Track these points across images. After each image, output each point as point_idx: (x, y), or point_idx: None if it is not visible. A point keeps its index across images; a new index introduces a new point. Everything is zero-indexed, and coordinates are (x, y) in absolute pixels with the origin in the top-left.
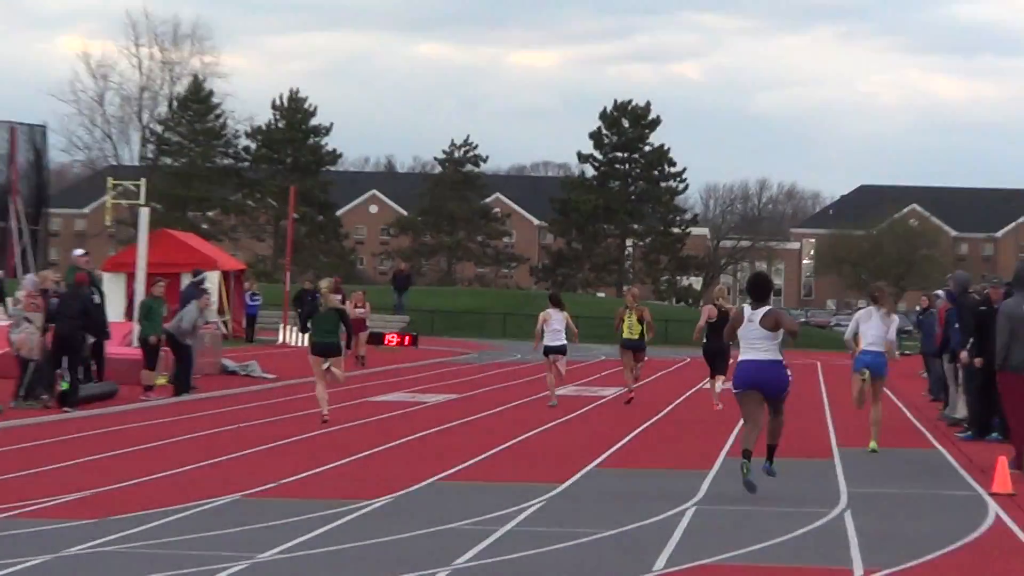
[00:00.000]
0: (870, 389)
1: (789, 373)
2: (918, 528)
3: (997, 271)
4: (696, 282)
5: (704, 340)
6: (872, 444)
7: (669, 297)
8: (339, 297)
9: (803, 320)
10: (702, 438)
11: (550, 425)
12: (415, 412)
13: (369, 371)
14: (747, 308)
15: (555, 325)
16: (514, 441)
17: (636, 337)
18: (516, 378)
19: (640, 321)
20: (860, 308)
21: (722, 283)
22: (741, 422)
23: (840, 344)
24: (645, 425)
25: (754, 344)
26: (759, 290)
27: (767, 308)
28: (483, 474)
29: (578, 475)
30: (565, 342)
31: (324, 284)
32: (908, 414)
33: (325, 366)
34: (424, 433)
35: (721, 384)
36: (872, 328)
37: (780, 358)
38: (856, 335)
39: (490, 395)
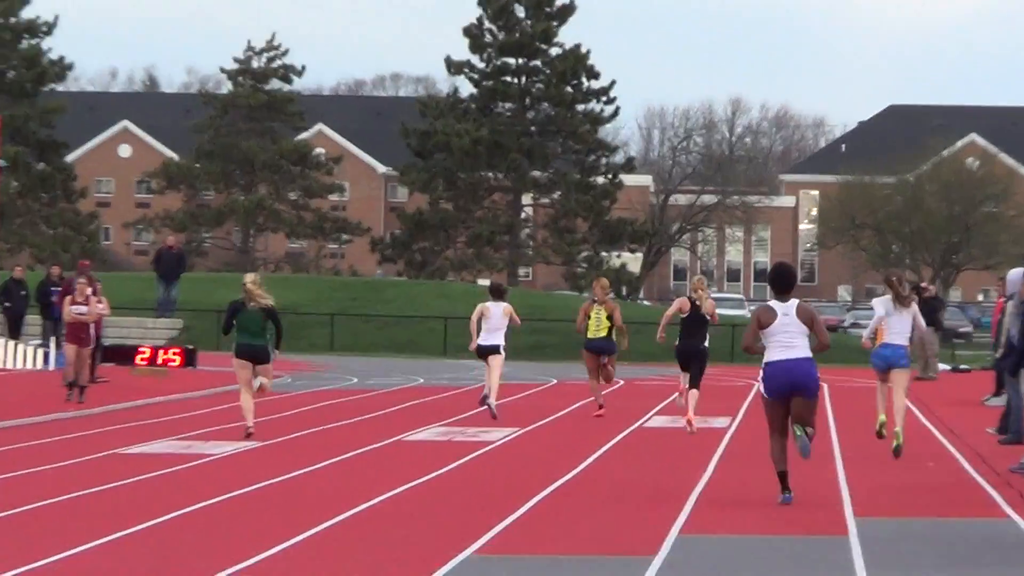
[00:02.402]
0: (891, 388)
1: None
2: None
3: None
4: (632, 260)
5: (677, 339)
6: (896, 439)
7: (588, 284)
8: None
9: None
10: (645, 504)
11: (405, 487)
12: (191, 471)
13: (116, 406)
14: (774, 303)
15: (494, 321)
16: (349, 514)
17: (603, 335)
18: (352, 414)
19: (609, 318)
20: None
21: (699, 276)
22: (768, 438)
23: (862, 356)
24: (556, 485)
25: (790, 341)
26: (782, 281)
27: (796, 301)
28: (306, 568)
29: (449, 566)
30: (502, 342)
31: (248, 278)
32: (965, 464)
33: (258, 384)
34: (204, 504)
35: (695, 401)
36: (897, 319)
37: (812, 356)
38: (877, 330)
39: (310, 441)
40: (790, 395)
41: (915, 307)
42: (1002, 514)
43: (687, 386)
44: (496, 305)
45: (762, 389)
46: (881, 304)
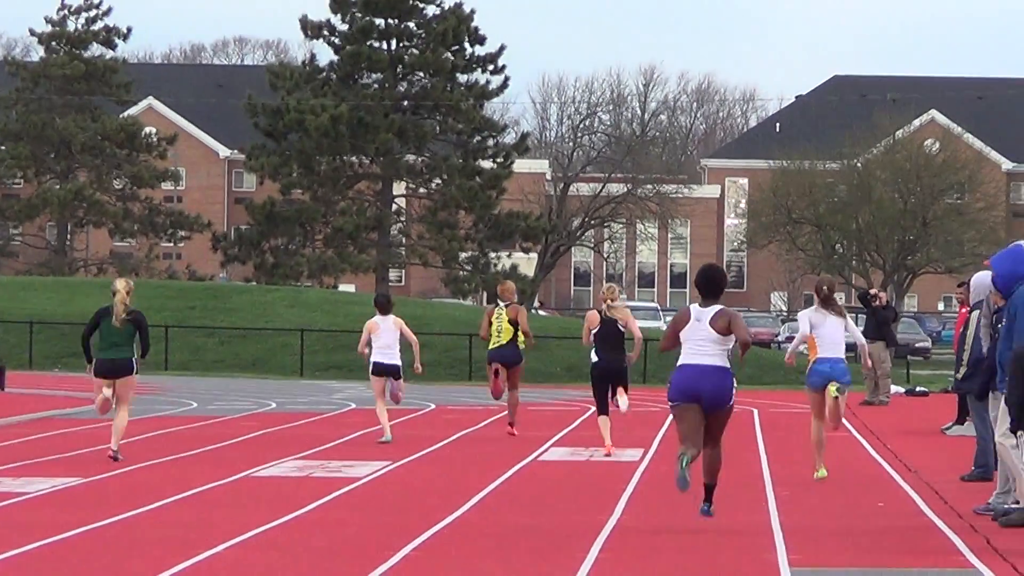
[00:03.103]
0: (834, 408)
1: (735, 388)
2: None
3: None
4: (526, 262)
5: (593, 357)
6: (820, 471)
7: (473, 289)
8: None
9: None
10: (541, 552)
11: (254, 532)
12: (2, 512)
13: None
14: (695, 307)
15: (385, 337)
16: (185, 565)
17: (506, 342)
18: (190, 445)
19: (513, 324)
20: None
21: (610, 284)
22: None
23: (794, 379)
24: (435, 529)
25: (699, 348)
26: (712, 286)
27: (719, 307)
28: None
29: None
30: (398, 361)
31: (120, 285)
32: (922, 504)
33: (109, 392)
34: (13, 553)
35: (626, 402)
36: (830, 329)
37: (727, 366)
38: (806, 339)
39: (141, 477)
40: (696, 399)
41: (847, 316)
42: (966, 563)
43: (607, 433)
44: (385, 320)
45: (669, 395)
46: (805, 316)
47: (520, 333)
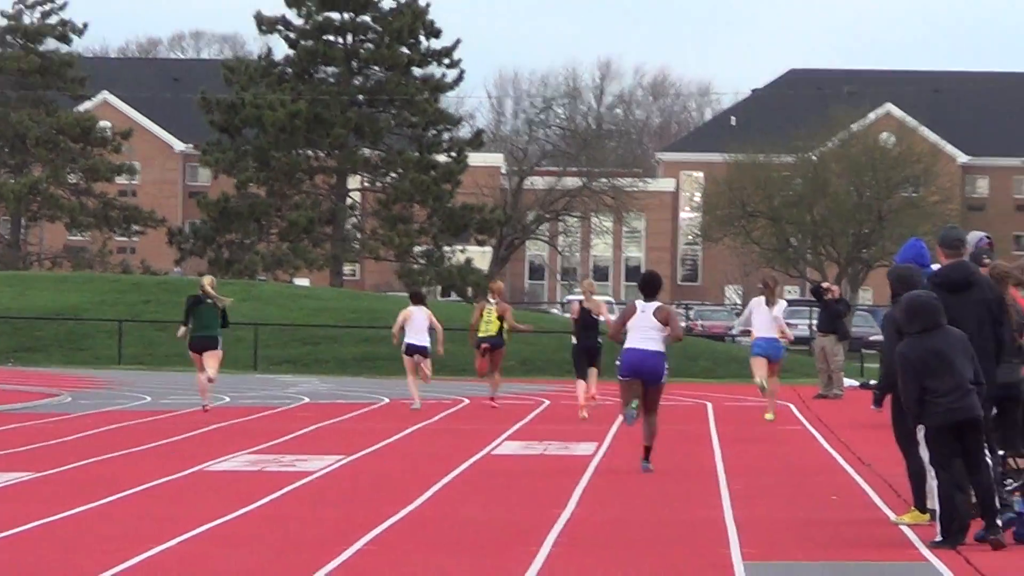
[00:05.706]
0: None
1: (667, 368)
2: None
3: None
4: (480, 256)
5: (573, 339)
6: (769, 415)
7: (427, 283)
8: None
9: (684, 323)
10: (494, 548)
11: (207, 527)
12: None
13: None
14: (639, 302)
15: (417, 324)
16: (138, 559)
17: (494, 334)
18: (144, 439)
19: (499, 319)
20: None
21: (588, 279)
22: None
23: (748, 373)
24: (387, 524)
25: (644, 335)
26: (651, 286)
27: (658, 303)
28: None
29: None
30: (428, 344)
31: (206, 280)
32: (875, 497)
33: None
34: None
35: (584, 393)
36: (762, 316)
37: (663, 350)
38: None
39: (94, 472)
40: (639, 376)
41: (780, 306)
42: (919, 556)
43: (585, 396)
44: (419, 310)
45: (619, 372)
46: (752, 304)
47: (505, 324)
